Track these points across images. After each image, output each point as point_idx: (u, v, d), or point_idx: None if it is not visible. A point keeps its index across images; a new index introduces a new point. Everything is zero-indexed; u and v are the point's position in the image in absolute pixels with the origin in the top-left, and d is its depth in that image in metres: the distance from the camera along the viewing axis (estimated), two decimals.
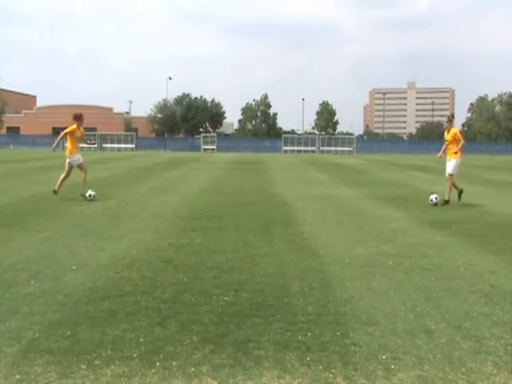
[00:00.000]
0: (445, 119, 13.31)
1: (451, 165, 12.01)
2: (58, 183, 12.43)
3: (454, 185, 12.17)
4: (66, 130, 12.69)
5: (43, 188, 14.59)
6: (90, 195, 12.09)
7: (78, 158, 12.63)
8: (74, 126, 12.65)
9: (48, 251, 6.64)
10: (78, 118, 12.82)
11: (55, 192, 12.32)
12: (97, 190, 12.64)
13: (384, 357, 3.60)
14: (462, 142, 12.05)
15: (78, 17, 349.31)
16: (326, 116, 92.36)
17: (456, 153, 11.99)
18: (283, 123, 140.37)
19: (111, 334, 3.92)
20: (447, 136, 12.22)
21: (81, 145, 13.02)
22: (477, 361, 3.57)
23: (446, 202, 11.89)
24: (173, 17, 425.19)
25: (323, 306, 4.64)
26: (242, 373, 3.34)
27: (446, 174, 12.10)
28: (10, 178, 18.23)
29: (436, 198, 11.81)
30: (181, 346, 3.71)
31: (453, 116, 12.91)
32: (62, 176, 12.51)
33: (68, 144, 12.68)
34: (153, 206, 11.18)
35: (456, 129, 12.36)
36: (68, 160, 12.61)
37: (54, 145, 13.65)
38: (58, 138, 13.17)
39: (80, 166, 12.63)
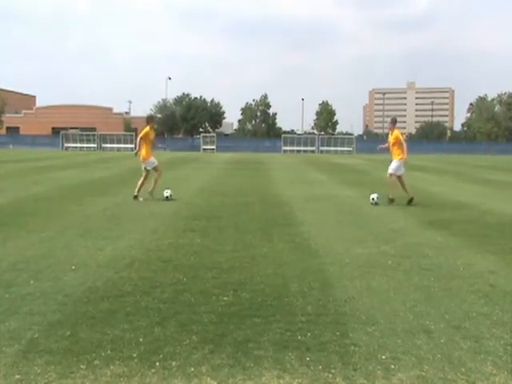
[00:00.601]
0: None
1: (392, 165, 12.28)
2: (137, 189, 12.16)
3: (404, 189, 12.29)
4: (141, 135, 12.42)
5: (43, 188, 14.60)
6: (167, 196, 12.05)
7: (153, 160, 12.45)
8: (148, 128, 12.46)
9: (48, 251, 6.64)
10: (150, 120, 12.77)
11: (136, 197, 12.01)
12: (97, 189, 12.64)
13: (383, 357, 3.60)
14: (404, 144, 12.23)
15: (78, 17, 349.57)
16: (326, 116, 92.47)
17: (399, 155, 12.23)
18: (283, 123, 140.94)
19: (111, 334, 3.92)
20: (390, 138, 12.56)
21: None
22: (476, 361, 3.57)
23: (391, 200, 12.03)
24: (173, 16, 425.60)
25: (323, 305, 4.64)
26: (241, 373, 3.34)
27: (387, 174, 12.45)
28: (10, 178, 18.20)
29: (377, 198, 11.93)
30: (180, 346, 3.71)
31: (395, 119, 12.95)
32: (140, 181, 12.29)
33: (142, 148, 12.41)
34: (152, 206, 11.17)
35: (398, 131, 12.51)
36: (143, 164, 12.41)
37: (137, 150, 12.62)
38: (138, 144, 12.51)
39: (155, 168, 12.47)
